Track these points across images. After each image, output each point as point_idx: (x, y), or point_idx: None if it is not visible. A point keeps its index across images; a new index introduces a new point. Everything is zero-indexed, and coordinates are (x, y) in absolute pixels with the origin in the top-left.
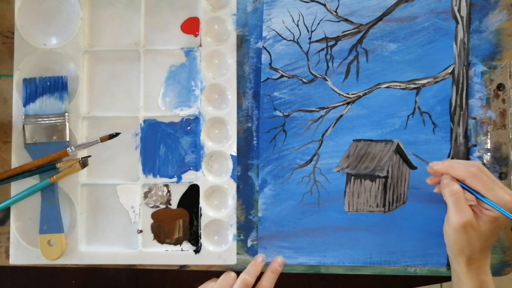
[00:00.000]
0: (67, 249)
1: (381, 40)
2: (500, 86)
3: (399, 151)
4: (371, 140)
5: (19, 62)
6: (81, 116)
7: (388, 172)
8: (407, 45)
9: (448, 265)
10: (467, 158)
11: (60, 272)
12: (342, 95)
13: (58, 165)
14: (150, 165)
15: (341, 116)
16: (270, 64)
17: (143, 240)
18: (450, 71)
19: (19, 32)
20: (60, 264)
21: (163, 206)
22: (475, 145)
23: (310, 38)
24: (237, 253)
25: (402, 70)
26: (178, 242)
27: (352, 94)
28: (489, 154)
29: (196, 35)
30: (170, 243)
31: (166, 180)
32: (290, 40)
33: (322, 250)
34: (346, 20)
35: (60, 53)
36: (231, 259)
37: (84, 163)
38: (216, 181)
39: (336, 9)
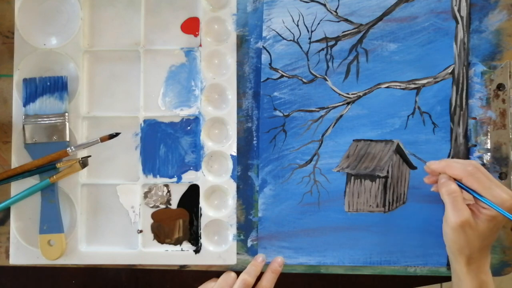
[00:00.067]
0: (67, 249)
1: (381, 40)
2: (500, 86)
3: (399, 151)
4: (371, 140)
5: (19, 62)
6: (81, 116)
7: (388, 172)
8: (407, 45)
9: (448, 265)
10: (467, 158)
11: (60, 272)
12: (342, 95)
13: (58, 165)
14: (150, 165)
15: (341, 116)
16: (270, 64)
17: (143, 240)
18: (450, 71)
19: (19, 32)
20: (60, 264)
21: (163, 206)
22: (475, 145)
23: (310, 38)
24: (237, 253)
25: (402, 70)
26: (178, 242)
27: (352, 94)
28: (489, 154)
29: (196, 35)
30: (170, 243)
31: (166, 180)
32: (290, 40)
33: (322, 250)
34: (346, 20)
35: (60, 53)
36: (231, 259)
37: (84, 163)
38: (216, 181)
39: (336, 9)
